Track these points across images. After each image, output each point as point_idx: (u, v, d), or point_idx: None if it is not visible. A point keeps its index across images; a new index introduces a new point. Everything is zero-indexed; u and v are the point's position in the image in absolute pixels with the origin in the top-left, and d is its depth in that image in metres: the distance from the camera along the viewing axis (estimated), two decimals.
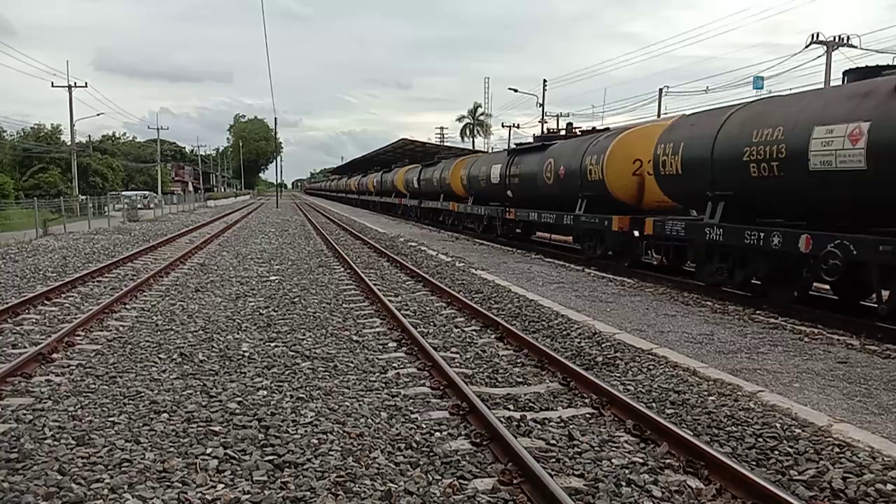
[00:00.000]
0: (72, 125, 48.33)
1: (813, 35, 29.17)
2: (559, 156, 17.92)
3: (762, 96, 14.96)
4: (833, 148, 8.76)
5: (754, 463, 4.73)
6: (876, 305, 8.91)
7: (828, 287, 10.35)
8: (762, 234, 10.11)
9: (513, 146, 26.92)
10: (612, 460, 4.78)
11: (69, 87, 46.36)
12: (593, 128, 20.66)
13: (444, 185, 29.09)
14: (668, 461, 4.76)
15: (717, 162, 11.01)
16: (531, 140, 23.00)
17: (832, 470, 4.47)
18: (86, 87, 47.96)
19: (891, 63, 10.72)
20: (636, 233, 14.06)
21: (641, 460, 4.78)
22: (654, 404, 5.92)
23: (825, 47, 29.42)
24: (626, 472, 4.58)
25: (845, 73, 10.47)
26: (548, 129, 28.09)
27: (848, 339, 8.45)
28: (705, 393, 6.11)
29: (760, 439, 5.04)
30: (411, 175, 36.95)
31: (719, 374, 6.69)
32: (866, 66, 10.27)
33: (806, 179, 9.20)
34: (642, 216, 13.98)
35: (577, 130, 21.20)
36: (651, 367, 7.03)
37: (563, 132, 22.23)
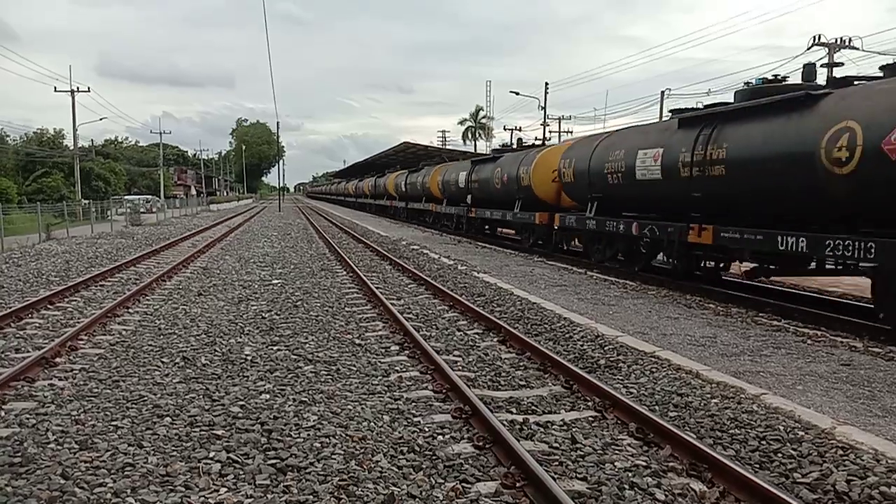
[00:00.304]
0: (74, 130, 48.50)
1: (815, 37, 29.14)
2: (504, 165, 22.32)
3: (620, 127, 17.50)
4: (647, 165, 13.22)
5: (758, 466, 4.72)
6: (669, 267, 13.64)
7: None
8: (615, 223, 14.67)
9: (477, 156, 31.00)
10: (616, 463, 4.77)
11: (72, 91, 46.45)
12: (538, 142, 26.41)
13: (426, 188, 33.58)
14: (671, 464, 4.75)
15: (592, 173, 15.40)
16: (490, 153, 28.19)
17: (836, 472, 4.46)
18: (88, 91, 47.94)
19: (715, 101, 13.24)
20: (555, 226, 18.30)
21: (645, 463, 4.78)
22: (657, 407, 5.91)
23: (827, 49, 29.39)
24: (630, 475, 4.57)
25: (671, 111, 14.22)
26: (516, 141, 27.72)
27: (851, 341, 8.44)
28: (708, 395, 6.10)
29: (764, 442, 5.03)
30: (400, 179, 41.13)
31: (722, 376, 6.68)
32: (691, 108, 13.61)
33: (635, 185, 13.68)
34: (558, 213, 18.19)
35: (524, 144, 25.67)
36: (654, 369, 7.02)
37: (514, 146, 26.16)
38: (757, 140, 10.41)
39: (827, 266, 10.60)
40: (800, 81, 11.08)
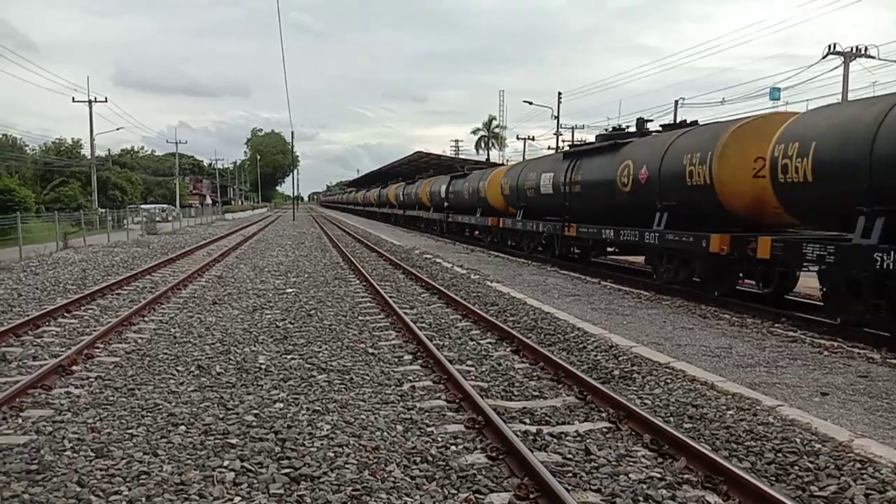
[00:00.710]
0: (92, 139, 49.03)
1: (830, 46, 29.00)
2: (471, 180, 27.74)
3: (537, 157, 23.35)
4: (546, 184, 19.10)
5: (774, 478, 4.67)
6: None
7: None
8: (532, 224, 20.47)
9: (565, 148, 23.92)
10: (630, 475, 4.74)
11: (89, 102, 47.05)
12: (550, 151, 27.98)
13: (418, 198, 36.26)
14: (686, 476, 4.72)
15: (519, 189, 21.56)
16: (464, 170, 31.27)
17: (854, 486, 4.41)
18: (106, 101, 48.52)
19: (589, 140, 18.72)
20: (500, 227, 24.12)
21: (659, 475, 4.74)
22: (671, 418, 5.87)
23: (843, 58, 29.22)
24: (644, 487, 4.54)
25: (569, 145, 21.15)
26: (613, 127, 22.58)
27: (868, 352, 8.34)
28: (724, 407, 6.05)
29: (780, 454, 4.98)
30: (399, 190, 44.07)
31: (738, 388, 6.63)
32: (574, 143, 20.76)
33: (541, 198, 19.68)
34: (502, 218, 24.20)
35: (488, 163, 29.73)
36: (668, 380, 6.98)
37: (483, 165, 30.92)
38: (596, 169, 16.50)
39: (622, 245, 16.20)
40: (634, 129, 16.94)
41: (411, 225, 41.62)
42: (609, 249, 17.88)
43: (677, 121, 16.20)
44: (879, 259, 8.49)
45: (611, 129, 19.39)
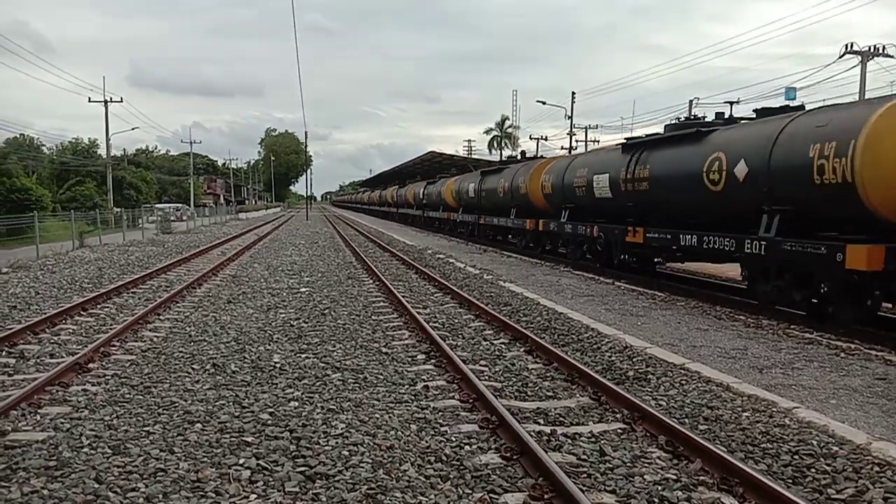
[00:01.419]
0: (108, 139, 49.46)
1: (847, 45, 28.73)
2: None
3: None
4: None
5: (790, 481, 4.64)
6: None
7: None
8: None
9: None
10: (645, 476, 4.72)
11: (105, 102, 47.38)
12: (563, 151, 25.52)
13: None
14: (701, 478, 4.69)
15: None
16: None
17: (872, 489, 4.37)
18: (121, 101, 48.87)
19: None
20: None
21: (675, 477, 4.72)
22: (686, 420, 5.84)
23: (860, 57, 28.94)
24: (659, 488, 4.52)
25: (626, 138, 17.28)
26: (519, 153, 25.43)
27: (886, 354, 8.26)
28: (739, 409, 6.02)
29: (797, 457, 4.95)
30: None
31: (753, 389, 6.58)
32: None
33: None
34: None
35: (526, 156, 26.12)
36: (683, 382, 6.95)
37: (518, 158, 26.67)
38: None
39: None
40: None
41: (432, 227, 37.93)
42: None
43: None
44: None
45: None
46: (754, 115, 12.76)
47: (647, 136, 15.87)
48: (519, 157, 26.49)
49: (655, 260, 15.87)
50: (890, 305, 10.31)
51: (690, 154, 12.82)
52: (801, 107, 11.83)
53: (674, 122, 15.29)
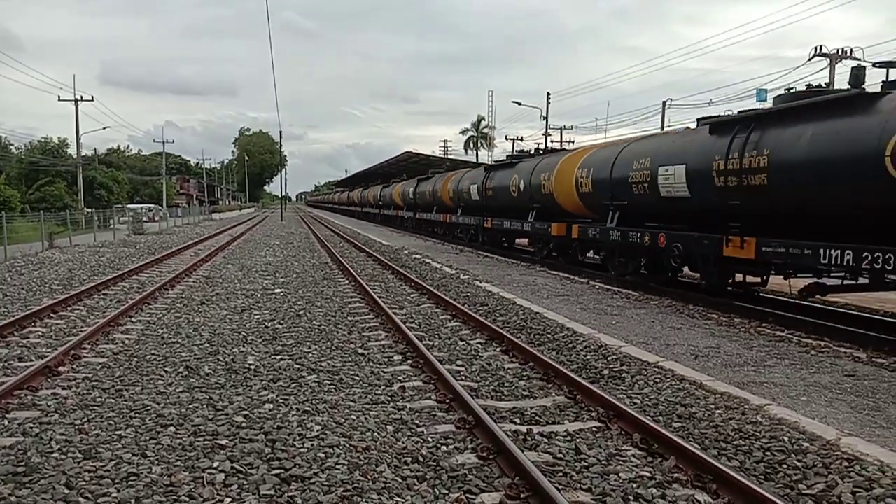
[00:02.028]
0: (78, 138, 48.63)
1: (816, 48, 29.25)
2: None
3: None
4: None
5: (762, 477, 4.70)
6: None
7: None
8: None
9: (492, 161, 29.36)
10: (620, 474, 4.76)
11: (76, 100, 46.63)
12: (552, 149, 24.09)
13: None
14: (675, 475, 4.74)
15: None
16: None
17: (841, 484, 4.45)
18: (92, 100, 48.10)
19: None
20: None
21: (649, 474, 4.77)
22: (661, 418, 5.90)
23: (828, 60, 29.48)
24: (634, 486, 4.56)
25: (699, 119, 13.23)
26: (534, 148, 25.40)
27: (855, 351, 8.42)
28: (712, 406, 6.09)
29: (768, 453, 5.02)
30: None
31: (726, 387, 6.67)
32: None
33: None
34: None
35: (540, 150, 24.06)
36: (658, 380, 7.01)
37: (531, 152, 24.02)
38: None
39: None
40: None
41: (424, 230, 34.68)
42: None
43: (664, 125, 15.32)
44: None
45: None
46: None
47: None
48: (532, 152, 23.27)
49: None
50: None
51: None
52: None
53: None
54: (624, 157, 14.32)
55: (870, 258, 8.39)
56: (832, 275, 10.16)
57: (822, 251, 9.13)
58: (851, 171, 8.67)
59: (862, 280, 9.72)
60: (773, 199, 10.12)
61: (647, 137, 15.54)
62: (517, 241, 23.93)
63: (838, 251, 8.91)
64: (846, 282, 9.99)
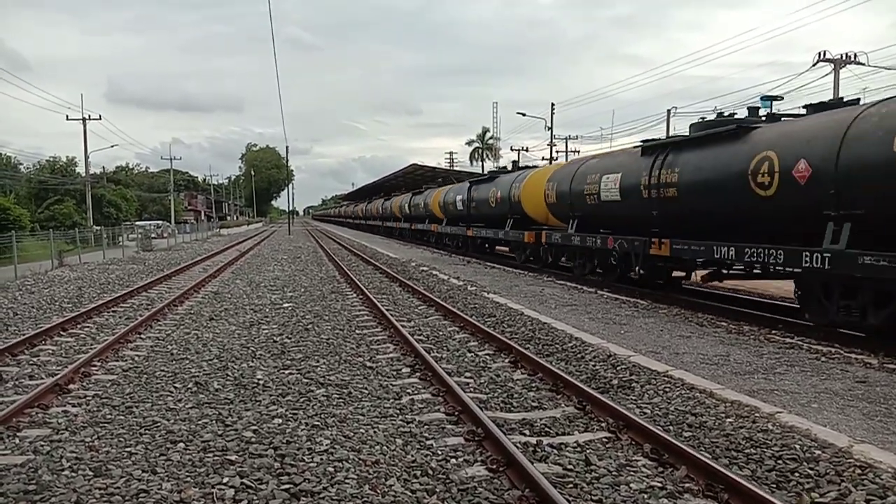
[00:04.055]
0: (86, 157, 48.99)
1: (820, 53, 29.23)
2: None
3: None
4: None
5: (774, 485, 4.67)
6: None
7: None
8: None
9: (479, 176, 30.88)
10: (631, 485, 4.73)
11: (83, 119, 47.03)
12: (544, 162, 26.45)
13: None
14: (687, 485, 4.71)
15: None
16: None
17: (855, 492, 4.41)
18: (100, 119, 48.54)
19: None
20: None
21: (660, 484, 4.74)
22: (671, 427, 5.87)
23: (833, 65, 29.44)
24: (645, 496, 4.54)
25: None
26: (511, 163, 28.77)
27: (866, 357, 8.36)
28: (723, 415, 6.06)
29: (780, 461, 4.98)
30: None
31: (736, 395, 6.63)
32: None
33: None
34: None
35: (519, 166, 26.17)
36: (667, 389, 6.98)
37: (507, 167, 26.93)
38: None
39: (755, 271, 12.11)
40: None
41: (419, 240, 37.60)
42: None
43: (670, 131, 15.85)
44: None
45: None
46: (804, 111, 11.39)
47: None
48: (510, 168, 26.09)
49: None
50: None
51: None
52: (857, 100, 10.68)
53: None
54: (580, 173, 16.77)
55: (747, 253, 10.76)
56: (735, 268, 12.45)
57: (714, 248, 11.58)
58: (730, 186, 11.10)
59: (756, 270, 11.96)
60: (682, 207, 12.64)
61: (598, 156, 18.03)
62: (497, 247, 26.94)
63: (725, 248, 11.31)
64: (733, 270, 12.68)
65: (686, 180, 12.47)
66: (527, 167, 25.04)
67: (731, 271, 12.67)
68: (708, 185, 11.82)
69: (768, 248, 10.32)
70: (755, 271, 12.09)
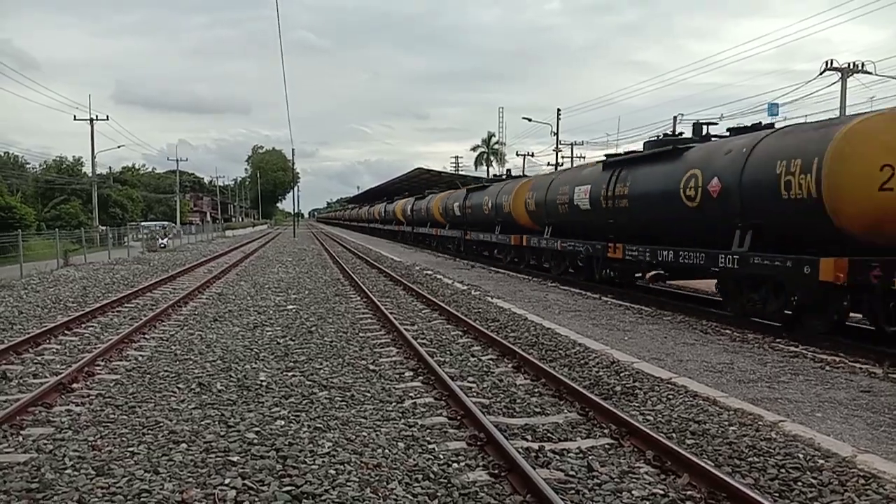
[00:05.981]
0: (93, 157, 49.15)
1: (827, 62, 29.20)
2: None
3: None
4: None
5: (777, 495, 4.65)
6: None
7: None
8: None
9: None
10: (633, 492, 4.72)
11: (91, 120, 47.22)
12: (549, 167, 25.98)
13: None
14: (689, 493, 4.70)
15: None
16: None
17: (858, 502, 4.39)
18: (107, 119, 48.71)
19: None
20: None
21: (662, 492, 4.72)
22: (674, 434, 5.86)
23: (840, 74, 29.40)
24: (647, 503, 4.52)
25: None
26: (505, 172, 28.67)
27: (871, 367, 8.32)
28: (726, 423, 6.04)
29: (783, 470, 4.96)
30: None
31: (740, 403, 6.61)
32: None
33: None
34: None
35: (511, 175, 27.14)
36: (671, 396, 6.96)
37: (510, 171, 28.29)
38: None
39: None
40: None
41: (421, 243, 37.85)
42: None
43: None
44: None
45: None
46: (727, 133, 13.01)
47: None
48: (504, 176, 27.34)
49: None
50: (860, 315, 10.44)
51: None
52: (771, 125, 12.42)
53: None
54: (555, 184, 18.73)
55: (681, 256, 12.51)
56: (673, 268, 13.82)
57: (657, 252, 13.25)
58: (667, 199, 12.83)
59: (697, 271, 13.31)
60: (632, 217, 14.42)
61: (571, 169, 20.94)
62: (494, 251, 27.01)
63: (665, 251, 13.00)
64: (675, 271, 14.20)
65: (635, 193, 14.26)
66: (518, 177, 26.83)
67: (672, 272, 14.31)
68: (651, 197, 13.68)
69: (696, 252, 12.07)
70: (692, 271, 13.60)
